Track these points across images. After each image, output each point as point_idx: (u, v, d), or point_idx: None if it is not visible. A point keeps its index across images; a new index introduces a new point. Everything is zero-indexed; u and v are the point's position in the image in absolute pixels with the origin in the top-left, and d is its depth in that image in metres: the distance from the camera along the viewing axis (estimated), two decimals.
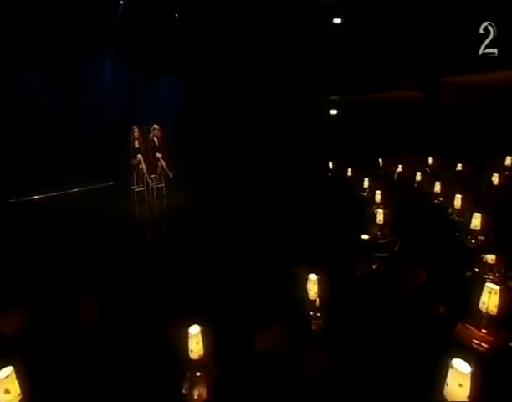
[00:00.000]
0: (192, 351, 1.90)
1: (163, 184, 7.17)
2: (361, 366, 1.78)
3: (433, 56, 7.17)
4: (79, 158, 7.53)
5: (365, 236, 3.33)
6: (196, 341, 1.91)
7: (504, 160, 5.89)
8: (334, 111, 9.49)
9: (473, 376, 1.35)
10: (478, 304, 2.13)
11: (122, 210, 6.23)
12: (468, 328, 2.09)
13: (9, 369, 1.58)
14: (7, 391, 1.56)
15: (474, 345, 2.03)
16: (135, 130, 6.78)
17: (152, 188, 7.05)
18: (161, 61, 8.52)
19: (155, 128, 6.94)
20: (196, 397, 1.83)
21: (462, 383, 1.35)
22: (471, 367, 1.37)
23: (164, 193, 7.16)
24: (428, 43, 7.09)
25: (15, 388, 1.59)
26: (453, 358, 1.43)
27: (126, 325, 2.45)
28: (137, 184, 7.00)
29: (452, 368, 1.40)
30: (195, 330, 1.92)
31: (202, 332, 1.91)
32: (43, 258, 3.98)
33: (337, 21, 8.47)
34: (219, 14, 8.41)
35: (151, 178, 7.01)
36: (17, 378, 1.59)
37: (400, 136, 7.51)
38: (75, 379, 1.93)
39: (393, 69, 7.91)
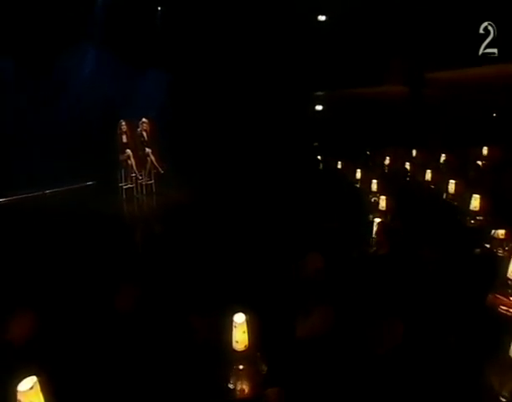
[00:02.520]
0: (237, 341, 1.78)
1: (152, 181, 6.88)
2: (413, 339, 1.78)
3: (419, 52, 7.52)
4: (61, 156, 6.99)
5: (377, 220, 3.39)
6: (242, 330, 1.79)
7: (481, 150, 6.41)
8: (320, 106, 9.66)
9: None
10: (504, 274, 2.23)
11: (110, 209, 5.90)
12: (498, 298, 2.18)
13: (32, 380, 1.37)
14: None
15: (503, 311, 2.13)
16: (123, 124, 6.43)
17: (141, 184, 6.74)
18: (146, 54, 8.16)
19: (143, 122, 6.65)
20: (243, 391, 1.72)
21: None
22: None
23: (153, 189, 6.87)
24: (414, 40, 7.42)
25: (40, 401, 1.38)
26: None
27: (148, 322, 2.27)
28: (125, 181, 6.64)
29: None
30: (240, 318, 1.81)
31: (247, 321, 1.81)
32: (34, 259, 3.65)
33: (323, 16, 8.61)
34: (204, 9, 8.24)
35: (140, 175, 6.68)
36: (42, 389, 1.38)
37: (387, 129, 7.79)
38: (108, 383, 1.74)
39: (380, 64, 8.17)
